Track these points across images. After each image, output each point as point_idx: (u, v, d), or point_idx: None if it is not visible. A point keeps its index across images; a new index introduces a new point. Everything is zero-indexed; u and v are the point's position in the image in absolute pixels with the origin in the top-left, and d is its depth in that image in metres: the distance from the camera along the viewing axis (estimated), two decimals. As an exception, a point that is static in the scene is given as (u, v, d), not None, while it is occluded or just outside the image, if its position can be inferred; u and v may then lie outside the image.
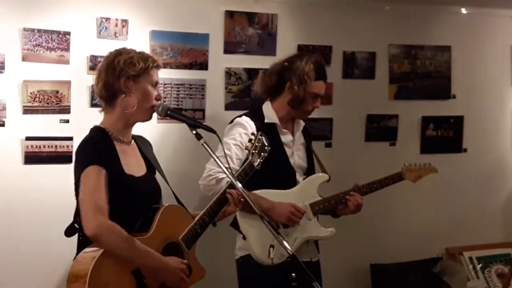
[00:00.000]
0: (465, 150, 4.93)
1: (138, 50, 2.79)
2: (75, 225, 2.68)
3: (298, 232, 3.41)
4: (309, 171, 3.60)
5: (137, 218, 2.67)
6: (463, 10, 4.85)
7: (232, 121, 3.49)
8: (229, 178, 2.66)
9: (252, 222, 3.28)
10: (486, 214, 4.99)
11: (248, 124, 3.41)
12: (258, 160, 2.94)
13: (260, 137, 2.96)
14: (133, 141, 2.84)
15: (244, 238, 3.38)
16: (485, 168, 4.99)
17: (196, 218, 2.79)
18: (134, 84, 2.70)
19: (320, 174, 3.58)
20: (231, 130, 3.42)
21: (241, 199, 2.83)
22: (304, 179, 3.54)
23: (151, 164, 2.87)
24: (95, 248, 2.53)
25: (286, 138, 3.52)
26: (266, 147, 2.98)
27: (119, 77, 2.68)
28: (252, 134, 3.01)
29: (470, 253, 4.90)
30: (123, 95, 2.70)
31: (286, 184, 3.46)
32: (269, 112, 3.50)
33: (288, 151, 3.51)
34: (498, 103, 5.03)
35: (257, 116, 3.47)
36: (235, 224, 3.41)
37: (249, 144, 2.94)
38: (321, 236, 3.50)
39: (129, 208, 2.65)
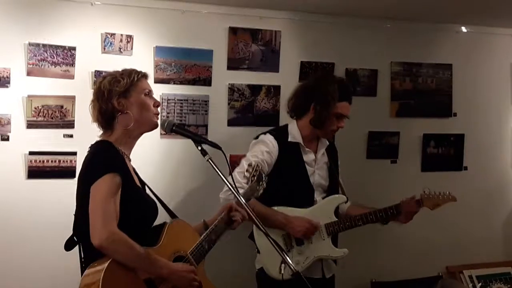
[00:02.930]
0: (466, 168, 4.93)
1: (121, 69, 2.80)
2: (74, 238, 2.68)
3: (311, 251, 3.44)
4: (330, 189, 3.62)
5: (146, 230, 2.67)
6: (464, 29, 4.88)
7: (257, 137, 3.55)
8: (236, 196, 2.67)
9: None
10: (486, 233, 4.99)
11: (270, 143, 3.47)
12: (257, 187, 3.01)
13: (257, 168, 3.03)
14: None
15: (258, 252, 3.41)
16: (486, 186, 4.99)
17: (203, 236, 2.79)
18: (126, 99, 2.71)
19: (337, 195, 3.61)
20: (254, 147, 3.50)
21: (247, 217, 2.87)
22: (323, 197, 3.57)
23: (141, 179, 2.88)
24: (102, 260, 2.52)
25: (308, 157, 3.56)
26: (264, 178, 3.05)
27: (110, 98, 2.70)
28: (249, 165, 3.07)
29: (470, 271, 4.90)
30: (119, 114, 2.71)
31: (303, 201, 3.50)
32: (294, 131, 3.55)
33: (309, 169, 3.55)
34: (498, 121, 5.05)
35: (281, 134, 3.53)
36: (252, 237, 3.46)
37: (247, 174, 3.01)
38: (333, 256, 3.53)
39: (140, 219, 2.65)
